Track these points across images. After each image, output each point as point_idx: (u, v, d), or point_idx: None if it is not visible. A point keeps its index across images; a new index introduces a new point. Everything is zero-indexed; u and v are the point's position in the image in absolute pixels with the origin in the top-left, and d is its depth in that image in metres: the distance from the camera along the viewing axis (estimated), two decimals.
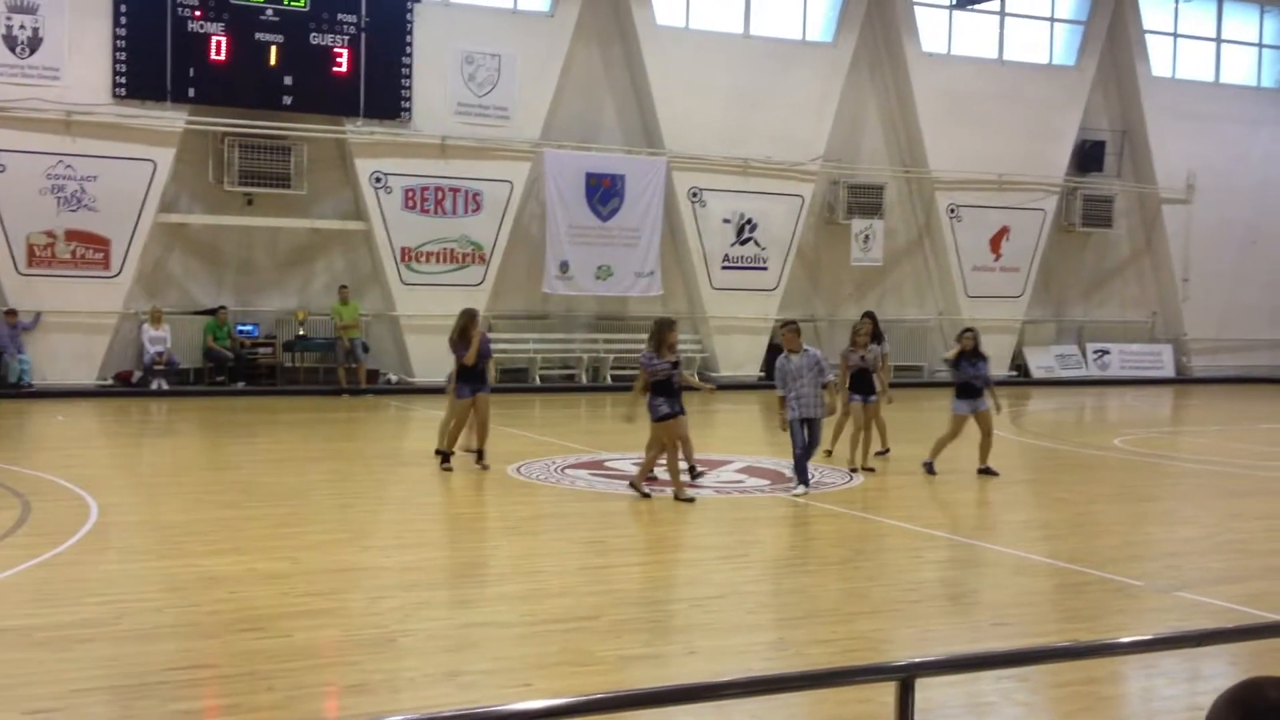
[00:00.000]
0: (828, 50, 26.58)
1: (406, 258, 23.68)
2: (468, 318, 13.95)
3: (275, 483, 13.09)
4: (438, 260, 23.88)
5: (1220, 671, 6.73)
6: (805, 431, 12.36)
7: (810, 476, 12.59)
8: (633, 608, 8.15)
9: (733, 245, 26.12)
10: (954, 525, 11.48)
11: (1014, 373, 28.49)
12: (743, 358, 26.21)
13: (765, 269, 26.33)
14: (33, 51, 21.14)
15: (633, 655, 7.05)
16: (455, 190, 23.87)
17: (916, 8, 27.38)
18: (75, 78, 21.32)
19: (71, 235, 21.61)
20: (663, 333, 12.16)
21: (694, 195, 25.69)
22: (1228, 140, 30.50)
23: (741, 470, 14.10)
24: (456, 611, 7.88)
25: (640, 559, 10.05)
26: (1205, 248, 30.45)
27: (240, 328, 23.07)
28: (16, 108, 20.99)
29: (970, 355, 13.84)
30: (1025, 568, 9.76)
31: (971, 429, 13.91)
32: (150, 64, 21.60)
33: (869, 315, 15.59)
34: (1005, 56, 28.57)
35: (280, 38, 22.29)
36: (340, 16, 22.71)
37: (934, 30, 27.76)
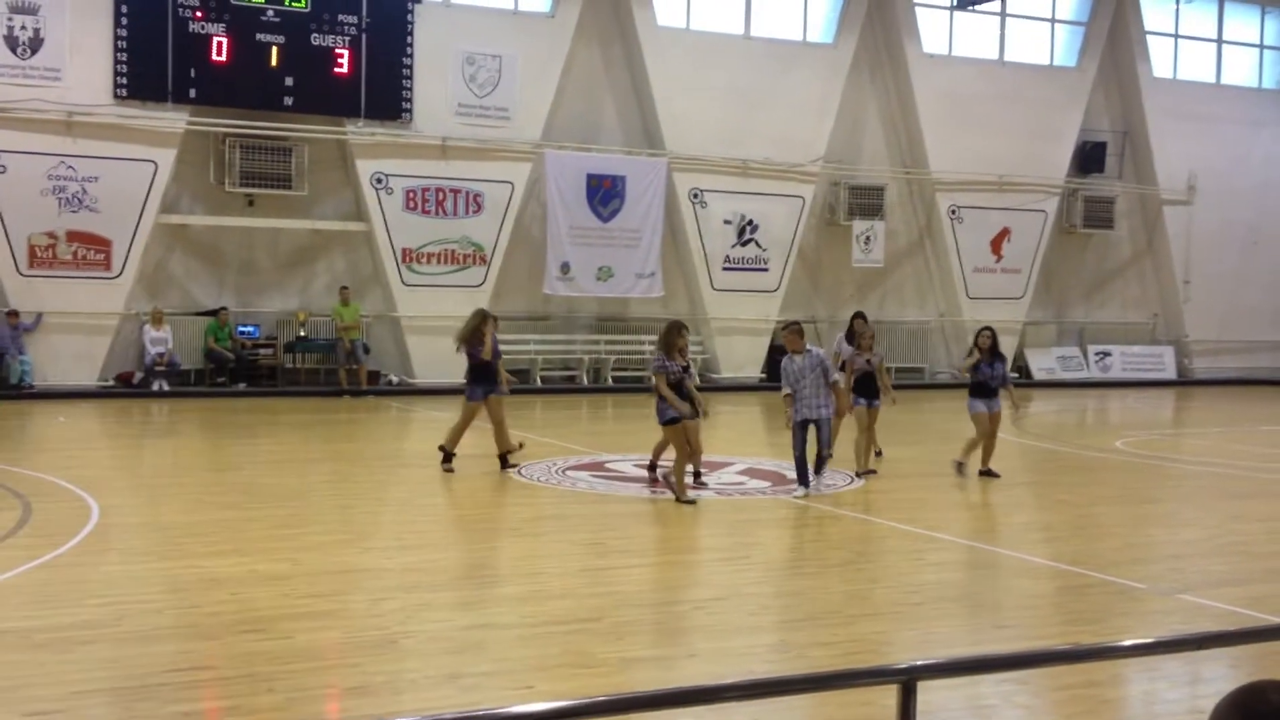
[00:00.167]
0: (828, 51, 26.58)
1: (407, 259, 23.68)
2: (480, 318, 13.96)
3: (276, 484, 13.08)
4: (439, 261, 23.88)
5: (1222, 675, 6.73)
6: (806, 433, 12.34)
7: (811, 479, 12.57)
8: (634, 610, 8.15)
9: (734, 246, 26.11)
10: (955, 527, 11.46)
11: (1015, 374, 28.40)
12: (744, 359, 26.21)
13: (766, 270, 26.33)
14: (34, 52, 21.15)
15: (634, 657, 7.05)
16: (456, 191, 23.88)
17: (917, 9, 27.38)
18: (76, 78, 21.33)
19: (73, 236, 21.61)
20: (671, 336, 12.12)
21: (695, 196, 25.69)
22: (1229, 141, 30.49)
23: (743, 472, 14.09)
24: (458, 613, 7.87)
25: (642, 561, 10.04)
26: (1206, 249, 30.44)
27: (241, 329, 23.08)
28: (18, 108, 21.01)
29: (987, 355, 13.80)
30: (1027, 570, 9.75)
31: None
32: (151, 65, 21.61)
33: (860, 316, 15.50)
34: (1006, 57, 28.58)
35: (281, 38, 22.30)
36: (341, 17, 22.72)
37: (935, 31, 27.76)
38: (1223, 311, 30.85)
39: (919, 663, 3.36)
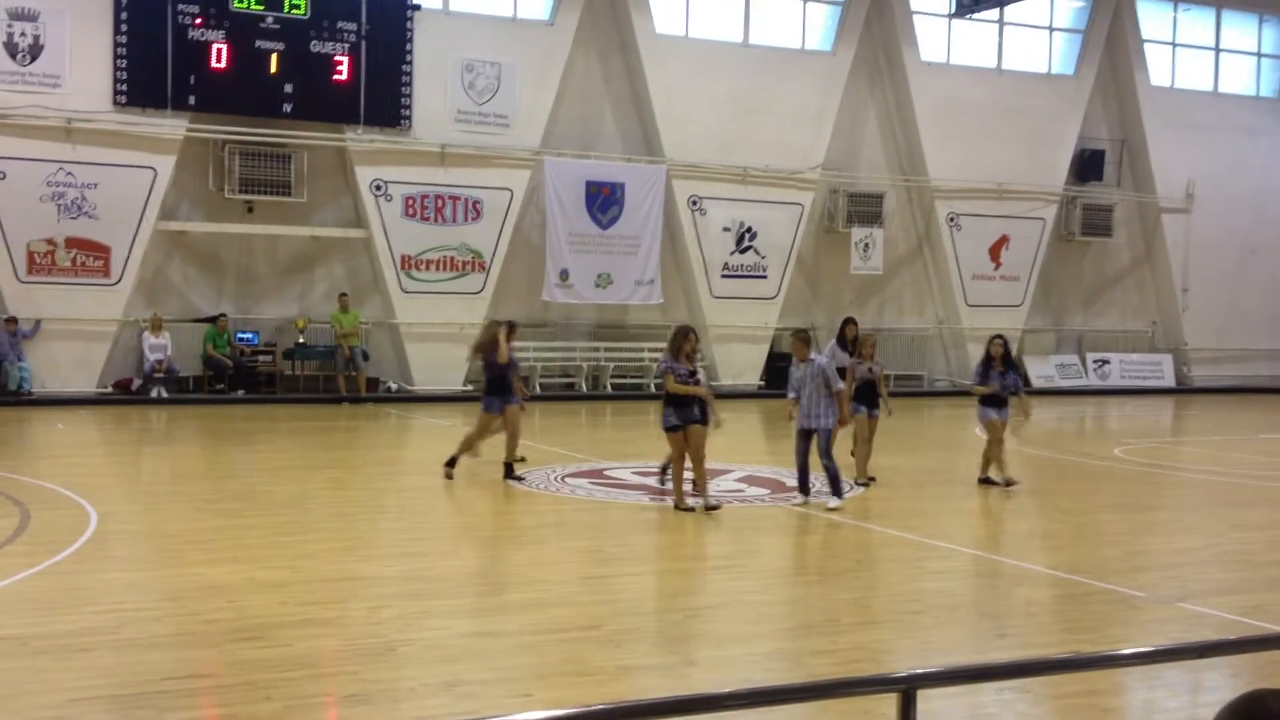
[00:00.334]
0: (827, 59, 26.62)
1: (406, 265, 23.68)
2: (496, 326, 13.99)
3: (275, 491, 13.08)
4: (438, 268, 23.89)
5: (1222, 683, 6.72)
6: (808, 442, 12.32)
7: (811, 486, 12.58)
8: (633, 618, 8.14)
9: (732, 253, 26.13)
10: (955, 536, 11.45)
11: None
12: (742, 366, 26.21)
13: (765, 277, 26.35)
14: (34, 59, 21.16)
15: (633, 665, 7.04)
16: (455, 198, 23.89)
17: (915, 17, 27.42)
18: (76, 85, 21.35)
19: (72, 243, 21.61)
20: (678, 340, 12.10)
21: (694, 203, 25.71)
22: (1227, 149, 30.53)
23: (741, 479, 14.08)
24: (457, 621, 7.86)
25: (640, 569, 10.03)
26: (1205, 257, 30.47)
27: (240, 335, 23.07)
28: (17, 115, 21.02)
29: (999, 364, 13.76)
30: (1026, 578, 9.74)
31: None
32: (151, 71, 21.62)
33: (850, 321, 15.39)
34: (1004, 66, 28.62)
35: (280, 45, 22.32)
36: (340, 24, 22.73)
37: (933, 39, 27.80)
38: (1221, 319, 30.86)
39: (919, 671, 3.36)
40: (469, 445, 13.78)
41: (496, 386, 13.78)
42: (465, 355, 14.17)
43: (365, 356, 23.31)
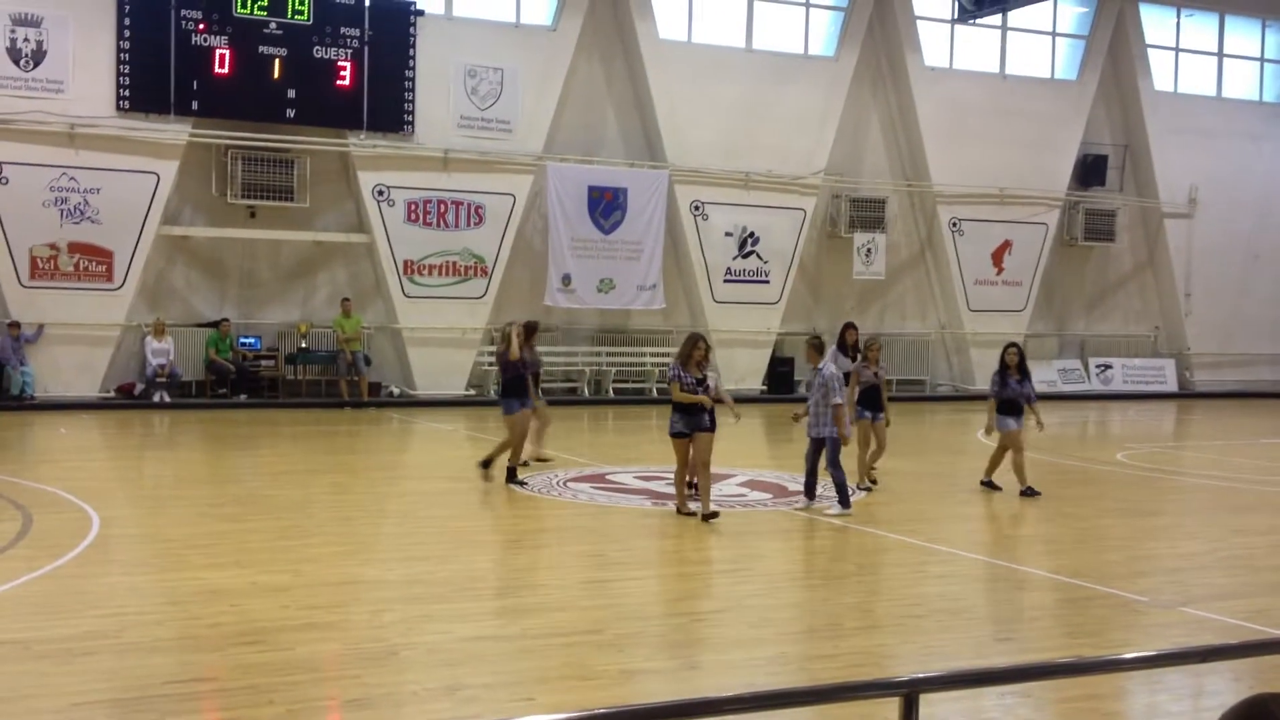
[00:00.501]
0: (829, 64, 26.63)
1: (409, 270, 23.70)
2: (509, 326, 13.99)
3: (277, 495, 13.08)
4: (440, 273, 23.90)
5: (1224, 688, 6.71)
6: (818, 450, 12.30)
7: (816, 492, 12.58)
8: (635, 622, 8.14)
9: (735, 258, 26.13)
10: (957, 540, 11.45)
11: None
12: (745, 371, 26.20)
13: (767, 282, 26.35)
14: (37, 64, 21.20)
15: (635, 670, 7.04)
16: (458, 203, 23.91)
17: (919, 22, 27.43)
18: (79, 90, 21.38)
19: (74, 247, 21.63)
20: (687, 348, 12.09)
21: (696, 208, 25.72)
22: (1230, 154, 30.53)
23: (744, 484, 14.08)
24: (459, 625, 7.86)
25: (642, 573, 10.03)
26: (1208, 262, 30.46)
27: (242, 340, 23.09)
28: (20, 120, 21.06)
29: (1014, 372, 13.74)
30: (1028, 583, 9.74)
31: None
32: (154, 77, 21.66)
33: (851, 326, 15.35)
34: (1007, 71, 28.62)
35: (283, 51, 22.35)
36: (343, 30, 22.77)
37: (936, 44, 27.81)
38: (1224, 324, 30.84)
39: (921, 675, 3.36)
40: (515, 451, 13.73)
41: (513, 388, 13.77)
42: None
43: (367, 361, 23.32)
